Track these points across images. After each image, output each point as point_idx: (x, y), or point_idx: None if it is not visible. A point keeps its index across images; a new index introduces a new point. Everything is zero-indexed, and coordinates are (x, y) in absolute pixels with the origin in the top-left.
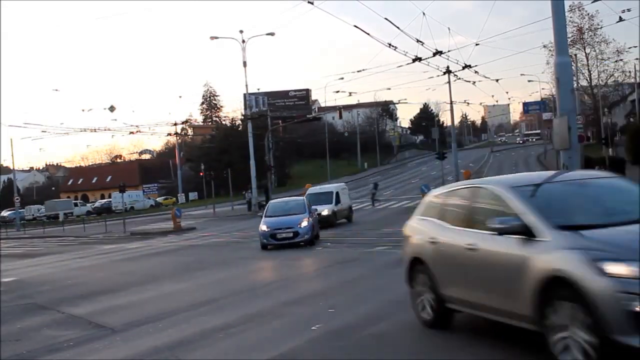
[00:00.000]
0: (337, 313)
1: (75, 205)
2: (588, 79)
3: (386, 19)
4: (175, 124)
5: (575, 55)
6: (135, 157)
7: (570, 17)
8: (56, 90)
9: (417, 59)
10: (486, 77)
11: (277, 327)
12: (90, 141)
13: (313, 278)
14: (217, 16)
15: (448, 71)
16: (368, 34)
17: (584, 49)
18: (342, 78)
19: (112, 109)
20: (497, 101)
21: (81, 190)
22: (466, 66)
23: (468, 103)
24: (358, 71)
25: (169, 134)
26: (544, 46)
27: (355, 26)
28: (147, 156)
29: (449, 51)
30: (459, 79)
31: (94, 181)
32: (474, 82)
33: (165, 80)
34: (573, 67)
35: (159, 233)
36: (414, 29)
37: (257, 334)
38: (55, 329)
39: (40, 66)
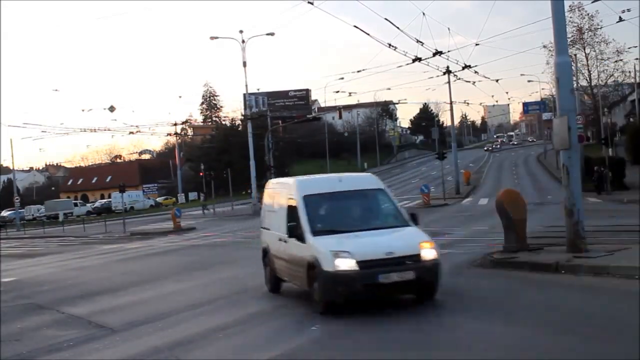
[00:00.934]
0: (336, 313)
1: (75, 205)
2: (588, 79)
3: (386, 19)
4: (175, 124)
5: (575, 55)
6: (135, 157)
7: (570, 17)
8: (56, 90)
9: (417, 59)
10: (486, 77)
11: (277, 327)
12: (90, 141)
13: None
14: (217, 16)
15: (448, 71)
16: (368, 34)
17: (584, 49)
18: (342, 78)
19: (112, 109)
20: (497, 101)
21: (81, 190)
22: (466, 66)
23: (468, 103)
24: (358, 71)
25: (169, 134)
26: (544, 46)
27: (355, 26)
28: (147, 156)
29: (448, 51)
30: (459, 79)
31: (94, 181)
32: (474, 82)
33: (165, 80)
34: (573, 67)
35: (158, 233)
36: (413, 29)
37: (257, 334)
38: (55, 329)
39: (40, 66)
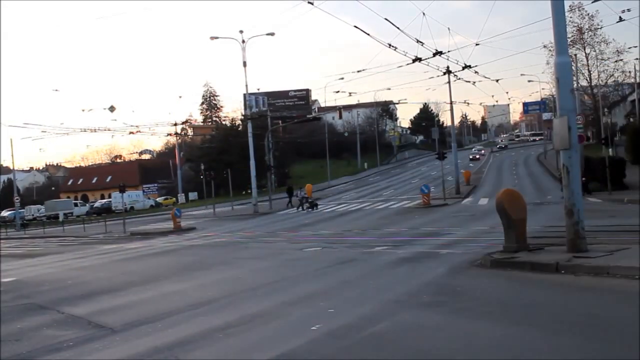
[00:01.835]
0: (337, 313)
1: (75, 205)
2: (588, 79)
3: (386, 19)
4: (175, 124)
5: (575, 55)
6: (135, 157)
7: (570, 17)
8: (56, 90)
9: (417, 59)
10: (486, 77)
11: (277, 327)
12: (90, 141)
13: (313, 278)
14: (217, 16)
15: (448, 71)
16: (368, 34)
17: (584, 49)
18: (342, 78)
19: (112, 109)
20: (497, 101)
21: (81, 191)
22: (466, 66)
23: (468, 103)
24: (358, 71)
25: (169, 134)
26: (544, 46)
27: (355, 26)
28: (147, 156)
29: (448, 51)
30: (459, 79)
31: (94, 181)
32: (474, 82)
33: (165, 80)
34: (573, 67)
35: (159, 233)
36: (413, 29)
37: (257, 334)
38: (55, 329)
39: (40, 66)
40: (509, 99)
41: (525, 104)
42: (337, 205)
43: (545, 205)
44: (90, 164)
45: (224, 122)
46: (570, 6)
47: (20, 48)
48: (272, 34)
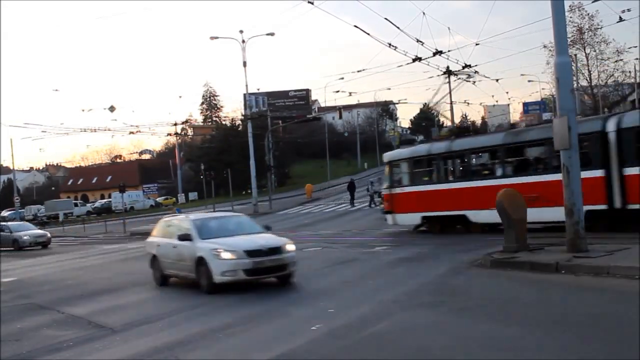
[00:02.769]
0: (337, 313)
1: (75, 205)
2: (588, 79)
3: (386, 19)
4: (175, 124)
5: (575, 55)
6: (135, 157)
7: (570, 17)
8: (56, 90)
9: (417, 58)
10: (486, 77)
11: (277, 327)
12: (90, 141)
13: (313, 278)
14: (217, 16)
15: (448, 71)
16: (368, 34)
17: (584, 49)
18: (342, 78)
19: (112, 109)
20: (497, 101)
21: (81, 191)
22: (466, 66)
23: (468, 103)
24: (358, 71)
25: (169, 134)
26: (544, 46)
27: (355, 26)
28: (147, 156)
29: (449, 51)
30: (459, 78)
31: (94, 181)
32: (474, 82)
33: (165, 80)
34: (573, 67)
35: None
36: (414, 28)
37: (257, 334)
38: (55, 329)
39: (40, 66)
40: (509, 99)
41: (525, 104)
42: (337, 206)
43: None
44: (90, 164)
45: (224, 122)
46: (570, 6)
47: (20, 48)
48: (272, 34)
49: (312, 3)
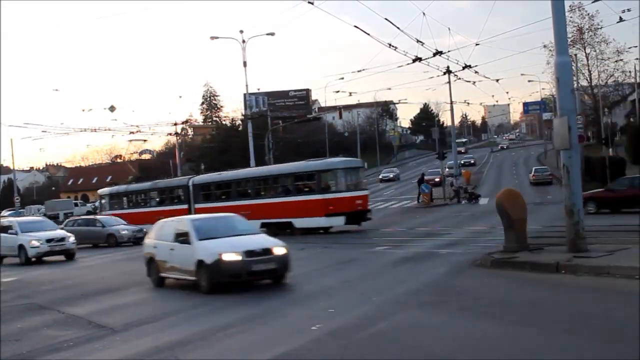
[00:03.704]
0: (337, 313)
1: (76, 205)
2: (588, 79)
3: (386, 19)
4: (176, 124)
5: (575, 55)
6: (135, 157)
7: (570, 17)
8: (56, 90)
9: (417, 59)
10: (486, 77)
11: (277, 327)
12: (91, 141)
13: (313, 278)
14: (217, 16)
15: (448, 71)
16: (368, 34)
17: (584, 49)
18: (342, 78)
19: (112, 109)
20: (497, 101)
21: (81, 190)
22: (466, 66)
23: (468, 103)
24: (358, 71)
25: (169, 134)
26: (544, 46)
27: (355, 26)
28: (147, 156)
29: (449, 51)
30: (459, 79)
31: (94, 181)
32: (474, 82)
33: (165, 80)
34: (573, 67)
35: None
36: (414, 29)
37: (257, 334)
38: (55, 329)
39: (40, 66)
40: (509, 99)
41: (525, 104)
42: None
43: (545, 205)
44: (90, 164)
45: (224, 122)
46: (570, 6)
47: (20, 48)
48: (272, 34)
49: (312, 3)
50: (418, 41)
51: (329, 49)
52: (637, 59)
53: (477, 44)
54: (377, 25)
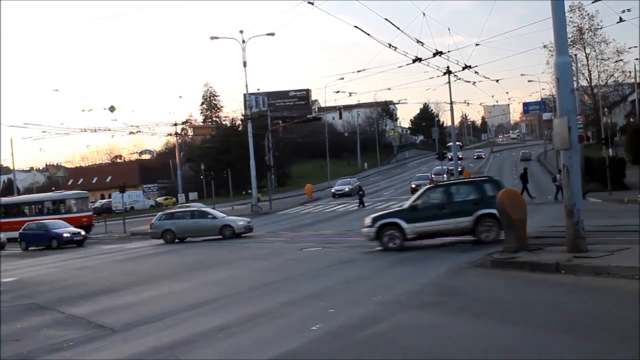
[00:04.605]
0: (337, 313)
1: None
2: (588, 79)
3: (386, 19)
4: (176, 124)
5: (575, 55)
6: (135, 157)
7: (570, 17)
8: (56, 90)
9: (417, 59)
10: (486, 77)
11: (277, 327)
12: (90, 141)
13: (313, 278)
14: (217, 16)
15: (448, 71)
16: (368, 34)
17: (584, 49)
18: (342, 78)
19: (112, 109)
20: (497, 101)
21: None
22: (466, 66)
23: (468, 103)
24: (358, 71)
25: (169, 134)
26: (544, 46)
27: (355, 26)
28: (147, 156)
29: (449, 51)
30: (459, 79)
31: (94, 181)
32: (474, 82)
33: (165, 80)
34: (573, 67)
35: None
36: (414, 29)
37: (257, 334)
38: (55, 329)
39: (40, 66)
40: (509, 99)
41: (525, 104)
42: (337, 206)
43: (545, 205)
44: (90, 164)
45: (224, 122)
46: (570, 6)
47: (20, 48)
48: (272, 34)
49: (312, 3)
50: (418, 41)
51: (329, 49)
52: (637, 59)
53: (477, 44)
54: (377, 25)
